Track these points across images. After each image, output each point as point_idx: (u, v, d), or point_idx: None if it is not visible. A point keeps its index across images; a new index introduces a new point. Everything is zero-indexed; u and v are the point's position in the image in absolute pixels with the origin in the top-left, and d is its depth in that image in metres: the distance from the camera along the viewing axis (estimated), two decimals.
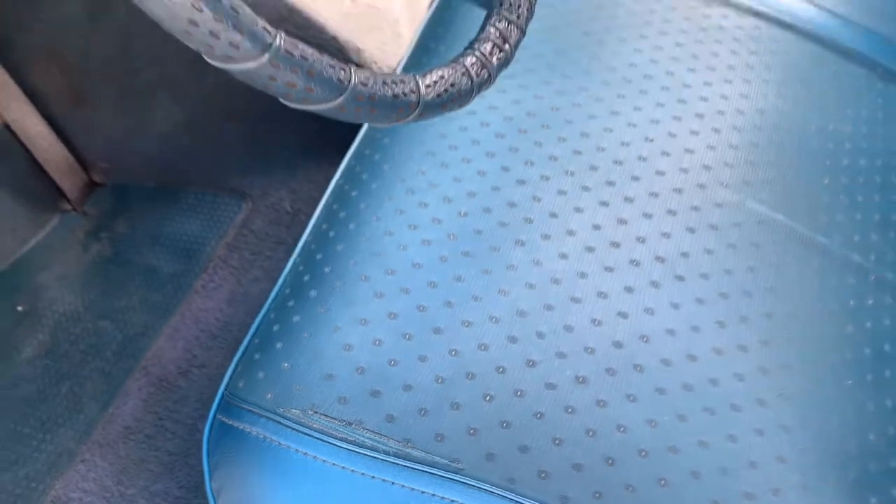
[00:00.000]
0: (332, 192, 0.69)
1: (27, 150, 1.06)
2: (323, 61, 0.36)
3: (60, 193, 1.09)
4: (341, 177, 0.70)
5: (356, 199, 0.66)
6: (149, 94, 1.00)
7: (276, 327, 0.60)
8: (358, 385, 0.54)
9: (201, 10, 0.30)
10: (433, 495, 0.50)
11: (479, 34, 0.48)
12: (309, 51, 0.35)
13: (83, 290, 1.02)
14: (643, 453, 0.51)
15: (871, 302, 0.62)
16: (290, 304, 0.61)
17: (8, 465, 0.85)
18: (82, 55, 0.98)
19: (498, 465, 0.51)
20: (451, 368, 0.54)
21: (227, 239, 1.03)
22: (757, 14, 0.80)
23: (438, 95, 0.43)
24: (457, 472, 0.50)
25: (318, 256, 0.64)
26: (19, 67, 1.04)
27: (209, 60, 0.33)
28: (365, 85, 0.38)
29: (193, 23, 0.30)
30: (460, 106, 0.46)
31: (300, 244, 0.66)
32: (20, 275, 1.03)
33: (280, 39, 0.33)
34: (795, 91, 0.76)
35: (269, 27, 0.33)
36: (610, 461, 0.51)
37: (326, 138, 0.92)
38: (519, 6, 0.54)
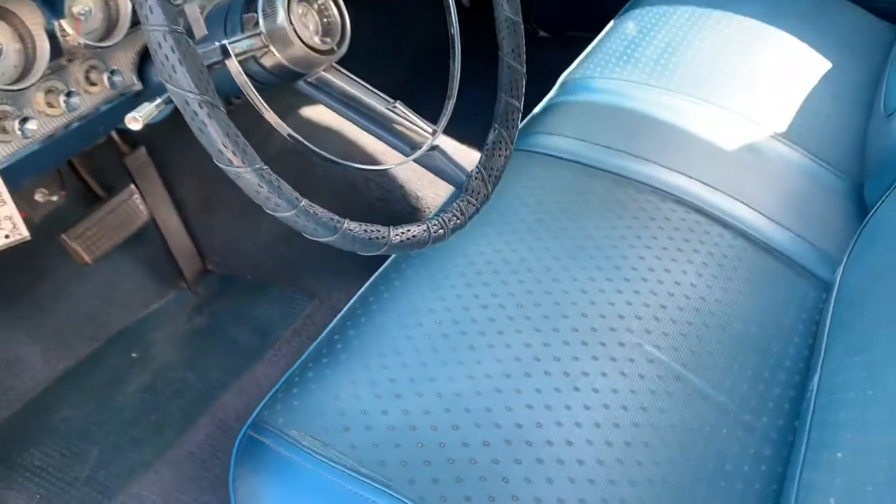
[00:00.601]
0: (367, 288, 0.97)
1: (163, 239, 1.42)
2: (326, 215, 0.65)
3: (181, 275, 1.44)
4: (372, 282, 0.99)
5: (384, 300, 0.94)
6: (258, 211, 1.35)
7: (310, 374, 0.87)
8: (365, 438, 0.79)
9: (261, 186, 0.60)
10: None
11: (444, 206, 0.78)
12: (319, 210, 0.65)
13: (182, 348, 1.34)
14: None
15: (724, 432, 0.84)
16: (325, 360, 0.88)
17: (103, 464, 1.14)
18: (216, 177, 1.34)
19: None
20: (430, 438, 0.78)
21: (294, 325, 1.33)
22: (699, 210, 1.06)
23: (401, 241, 0.72)
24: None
25: (350, 332, 0.91)
26: (172, 179, 1.43)
27: (265, 209, 0.63)
28: (351, 230, 0.67)
29: (257, 191, 0.61)
30: (419, 248, 0.74)
31: (337, 318, 0.94)
32: (139, 330, 1.37)
33: (303, 202, 0.63)
34: (726, 281, 0.98)
35: (297, 195, 0.63)
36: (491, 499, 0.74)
37: (378, 259, 1.22)
38: (479, 193, 0.83)
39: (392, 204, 1.39)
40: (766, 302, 0.98)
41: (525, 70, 0.88)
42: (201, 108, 0.57)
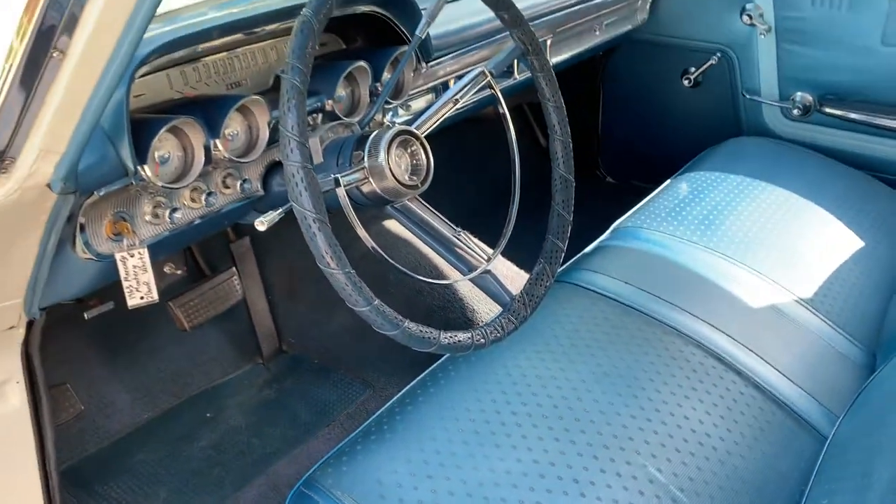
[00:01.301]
0: (416, 382, 1.14)
1: (250, 318, 1.63)
2: (392, 314, 0.83)
3: (259, 351, 1.64)
4: (421, 379, 1.15)
5: (429, 394, 1.10)
6: (335, 303, 1.55)
7: (359, 447, 1.03)
8: None
9: (347, 285, 0.79)
10: None
11: (490, 321, 0.95)
12: (387, 309, 0.83)
13: (249, 415, 1.52)
14: None
15: None
16: (373, 437, 1.04)
17: None
18: (303, 271, 1.54)
19: None
20: None
21: (349, 410, 1.50)
22: (717, 357, 1.19)
23: (448, 344, 0.89)
24: None
25: (397, 418, 1.07)
26: (266, 268, 1.65)
27: (347, 303, 0.82)
28: (409, 328, 0.84)
29: (343, 288, 0.79)
30: (462, 352, 0.91)
31: (388, 404, 1.10)
32: (216, 394, 1.56)
33: (376, 301, 0.82)
34: (731, 423, 1.11)
35: (372, 295, 0.81)
36: None
37: (429, 359, 1.38)
38: (519, 314, 1.00)
39: (449, 313, 1.57)
40: (766, 447, 1.09)
41: (571, 219, 1.07)
42: (314, 223, 0.77)
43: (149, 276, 0.97)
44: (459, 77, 1.29)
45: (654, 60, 2.15)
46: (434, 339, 0.87)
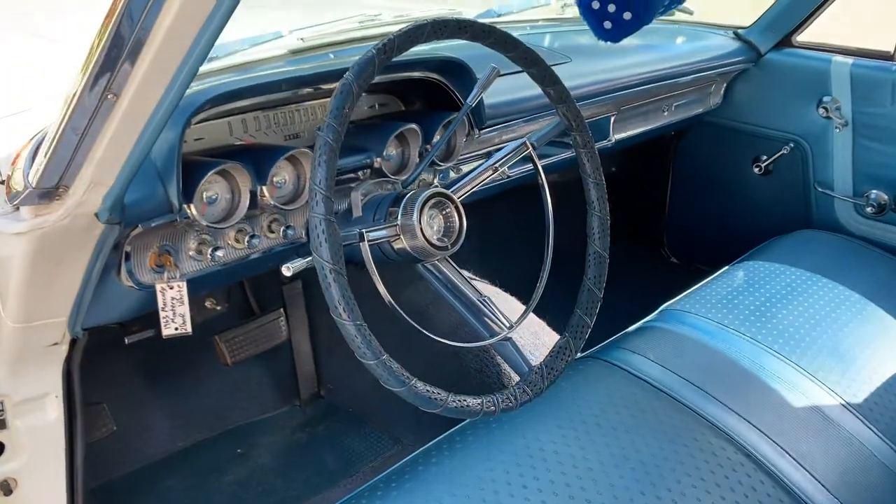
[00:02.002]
0: (433, 444, 1.13)
1: (293, 360, 1.66)
2: (399, 371, 0.84)
3: (297, 393, 1.67)
4: (437, 441, 1.15)
5: (443, 457, 1.09)
6: None
7: (379, 493, 1.03)
8: None
9: (356, 336, 0.81)
10: None
11: (505, 390, 0.94)
12: (395, 364, 0.84)
13: (278, 457, 1.54)
14: None
15: None
16: (379, 493, 1.04)
17: None
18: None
19: None
20: None
21: (374, 463, 1.50)
22: (747, 455, 1.15)
23: (456, 407, 0.89)
24: None
25: (407, 477, 1.07)
26: (314, 312, 1.69)
27: (356, 355, 0.83)
28: (416, 387, 0.85)
29: (353, 340, 0.81)
30: (471, 417, 0.91)
31: (406, 458, 1.10)
32: (249, 431, 1.59)
33: (384, 356, 0.83)
34: None
35: (381, 350, 0.83)
36: None
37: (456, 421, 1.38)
38: (536, 386, 0.99)
39: (486, 376, 1.56)
40: None
41: (602, 295, 1.06)
42: (330, 273, 0.79)
43: (185, 309, 1.02)
44: None
45: (725, 145, 2.12)
46: (441, 400, 0.87)
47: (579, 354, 1.35)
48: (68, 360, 1.08)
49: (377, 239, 0.93)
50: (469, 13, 1.83)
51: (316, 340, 1.70)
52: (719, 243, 2.26)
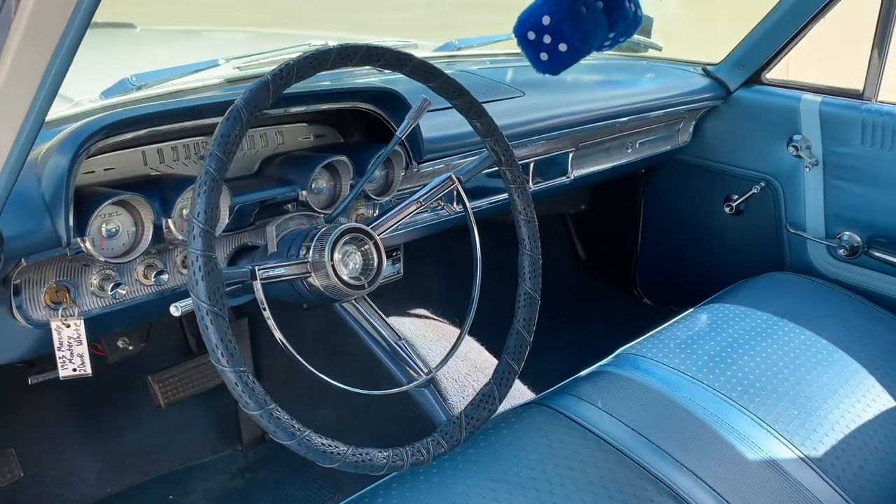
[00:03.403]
0: (353, 499, 1.06)
1: (236, 404, 1.59)
2: (289, 422, 0.77)
3: (238, 437, 1.59)
4: (360, 494, 1.07)
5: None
6: (324, 397, 1.49)
7: None
8: None
9: (237, 385, 0.74)
10: None
11: (417, 442, 0.87)
12: (283, 415, 0.77)
13: (215, 502, 1.46)
14: None
15: None
16: None
17: None
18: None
19: None
20: None
21: None
22: None
23: (357, 461, 0.82)
24: None
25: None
26: (261, 352, 1.62)
27: (240, 405, 0.76)
28: (309, 439, 0.78)
29: (233, 388, 0.75)
30: (374, 472, 0.83)
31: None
32: (185, 476, 1.51)
33: (271, 406, 0.76)
34: None
35: (268, 399, 0.76)
36: None
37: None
38: (452, 437, 0.92)
39: (414, 427, 1.49)
40: None
41: (531, 339, 0.99)
42: (207, 315, 0.73)
43: (83, 349, 0.95)
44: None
45: (695, 183, 2.07)
46: (339, 454, 0.80)
47: (522, 400, 1.28)
48: None
49: (275, 277, 0.87)
50: (430, 46, 1.79)
51: (262, 381, 1.63)
52: (691, 284, 2.20)
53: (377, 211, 1.27)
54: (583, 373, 1.41)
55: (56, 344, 0.94)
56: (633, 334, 1.55)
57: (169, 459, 1.52)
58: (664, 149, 1.92)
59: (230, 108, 0.77)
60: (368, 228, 0.95)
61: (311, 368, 0.84)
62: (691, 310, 1.60)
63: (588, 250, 2.40)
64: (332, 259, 0.90)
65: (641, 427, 1.21)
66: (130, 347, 1.27)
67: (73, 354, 0.95)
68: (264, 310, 0.83)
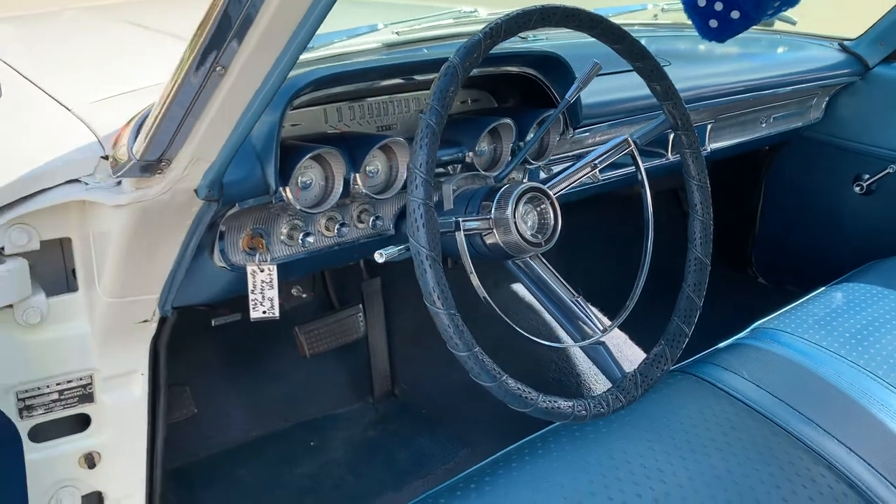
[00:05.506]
0: (513, 448, 1.10)
1: (368, 357, 1.65)
2: (491, 366, 0.81)
3: (370, 391, 1.66)
4: (518, 445, 1.11)
5: (524, 461, 1.05)
6: (454, 358, 1.54)
7: (442, 500, 1.00)
8: None
9: (449, 326, 0.78)
10: None
11: (597, 395, 0.90)
12: (487, 359, 0.81)
13: (350, 452, 1.53)
14: None
15: None
16: (458, 493, 1.01)
17: None
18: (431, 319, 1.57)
19: None
20: None
21: (447, 465, 1.47)
22: (850, 485, 1.07)
23: (546, 408, 0.85)
24: None
25: (487, 479, 1.03)
26: (392, 311, 1.68)
27: (448, 346, 0.81)
28: (507, 384, 0.82)
29: (445, 329, 0.79)
30: (560, 420, 0.87)
31: (481, 464, 1.06)
32: (323, 425, 1.58)
33: (476, 349, 0.80)
34: None
35: (474, 342, 0.80)
36: None
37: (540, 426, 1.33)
38: (629, 393, 0.95)
39: (565, 384, 1.52)
40: None
41: (701, 303, 1.01)
42: (426, 259, 0.77)
43: (274, 293, 1.01)
44: None
45: (824, 161, 2.03)
46: (532, 399, 0.84)
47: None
48: (156, 339, 1.08)
49: (472, 230, 0.91)
50: None
51: (392, 340, 1.69)
52: (812, 265, 2.16)
53: (527, 176, 1.30)
54: (721, 345, 1.41)
55: (250, 287, 1.01)
56: (750, 312, 1.55)
57: (308, 408, 1.59)
58: (795, 125, 1.89)
59: (446, 65, 0.81)
60: (546, 188, 0.98)
61: (509, 321, 0.87)
62: (823, 288, 1.58)
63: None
64: (514, 216, 0.93)
65: (789, 398, 1.22)
66: (304, 296, 1.33)
67: (263, 297, 1.02)
68: (468, 262, 0.87)
